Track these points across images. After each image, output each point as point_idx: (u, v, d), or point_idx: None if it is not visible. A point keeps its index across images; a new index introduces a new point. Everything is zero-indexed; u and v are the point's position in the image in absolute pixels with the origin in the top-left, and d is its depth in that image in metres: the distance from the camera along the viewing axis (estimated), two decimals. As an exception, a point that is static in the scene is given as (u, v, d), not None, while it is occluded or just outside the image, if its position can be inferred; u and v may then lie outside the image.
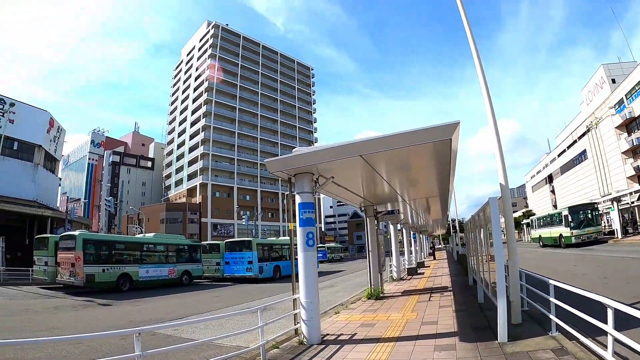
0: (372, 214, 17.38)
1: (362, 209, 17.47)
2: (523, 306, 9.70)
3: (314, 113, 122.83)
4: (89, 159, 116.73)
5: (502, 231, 9.29)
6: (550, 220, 44.67)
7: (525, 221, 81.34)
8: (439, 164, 10.24)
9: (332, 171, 10.00)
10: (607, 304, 5.36)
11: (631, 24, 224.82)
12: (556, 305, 7.71)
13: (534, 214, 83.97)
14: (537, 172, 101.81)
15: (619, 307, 5.11)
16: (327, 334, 10.04)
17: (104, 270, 24.47)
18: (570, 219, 38.11)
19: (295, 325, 9.99)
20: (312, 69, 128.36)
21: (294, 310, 10.11)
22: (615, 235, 41.93)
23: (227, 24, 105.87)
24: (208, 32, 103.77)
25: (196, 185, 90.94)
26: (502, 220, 9.33)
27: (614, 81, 61.41)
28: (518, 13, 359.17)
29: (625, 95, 54.01)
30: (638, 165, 52.52)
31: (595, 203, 44.28)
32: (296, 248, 9.99)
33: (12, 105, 38.10)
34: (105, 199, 71.28)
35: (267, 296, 21.05)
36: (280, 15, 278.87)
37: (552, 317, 7.83)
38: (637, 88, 51.50)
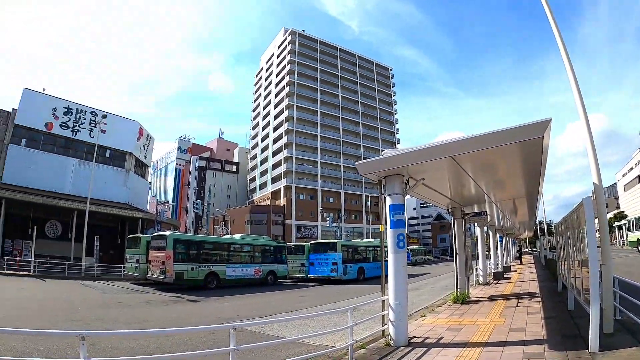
0: (460, 215, 16.93)
1: (449, 210, 17.09)
2: (615, 315, 8.96)
3: (395, 114, 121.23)
4: (177, 164, 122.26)
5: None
6: None
7: (617, 223, 76.34)
8: (529, 164, 9.86)
9: (422, 173, 9.98)
10: None
11: None
12: None
13: (625, 216, 78.42)
14: (630, 170, 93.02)
15: None
16: (414, 337, 9.89)
17: (192, 269, 25.22)
18: None
19: (382, 326, 9.95)
20: (391, 70, 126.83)
21: (382, 311, 10.04)
22: None
23: (303, 30, 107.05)
24: (285, 39, 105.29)
25: (280, 187, 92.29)
26: (596, 222, 8.60)
27: None
28: (598, 1, 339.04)
29: None
30: None
31: None
32: (386, 250, 9.91)
33: (104, 117, 40.62)
34: (194, 202, 74.22)
35: (352, 297, 20.87)
36: (354, 18, 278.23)
37: None
38: None
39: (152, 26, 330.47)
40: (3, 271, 28.74)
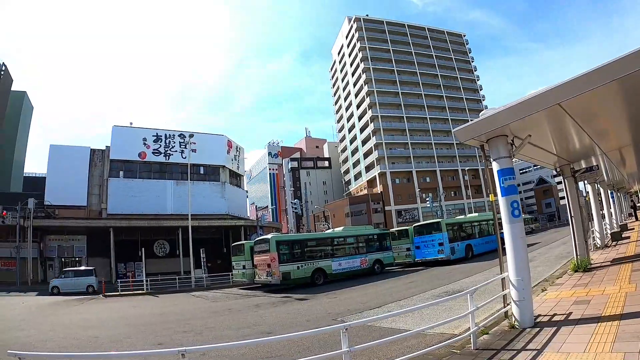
0: (570, 173, 15.43)
1: (558, 169, 15.66)
2: None
3: (477, 80, 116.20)
4: (269, 169, 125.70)
5: None
6: None
7: None
8: None
9: (526, 130, 8.91)
10: None
11: None
12: None
13: None
14: None
15: None
16: (539, 315, 8.88)
17: (298, 268, 25.35)
18: None
19: (504, 307, 9.08)
20: (464, 36, 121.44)
21: (502, 290, 9.08)
22: None
23: (367, 15, 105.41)
24: (351, 27, 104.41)
25: (375, 175, 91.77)
26: None
27: None
28: None
29: None
30: None
31: None
32: (499, 221, 9.04)
33: (191, 136, 42.22)
34: (292, 202, 75.34)
35: (463, 278, 19.84)
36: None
37: None
38: None
39: (217, 41, 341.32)
40: (117, 293, 30.48)
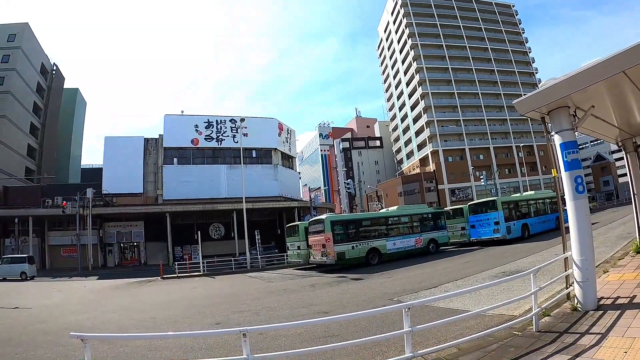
0: (633, 148, 14.42)
1: (619, 144, 14.70)
2: None
3: (530, 52, 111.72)
4: (321, 150, 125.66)
5: None
6: None
7: None
8: None
9: (589, 100, 8.45)
10: None
11: None
12: None
13: None
14: None
15: None
16: (602, 297, 8.58)
17: (353, 247, 25.41)
18: None
19: (567, 288, 8.81)
20: (513, 6, 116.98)
21: (565, 271, 8.84)
22: None
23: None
24: (396, 3, 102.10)
25: (427, 154, 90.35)
26: None
27: None
28: None
29: None
30: None
31: None
32: (562, 198, 8.74)
33: (242, 120, 42.54)
34: (345, 182, 75.39)
35: (520, 258, 19.43)
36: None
37: None
38: None
39: (260, 30, 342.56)
40: (175, 275, 31.51)
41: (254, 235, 36.92)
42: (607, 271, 11.65)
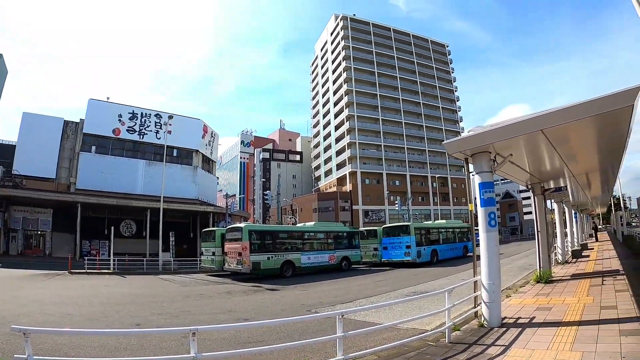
0: (540, 191, 16.51)
1: (529, 186, 16.68)
2: None
3: (455, 91, 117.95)
4: (241, 157, 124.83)
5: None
6: None
7: None
8: (614, 134, 9.61)
9: (509, 149, 9.80)
10: None
11: None
12: None
13: None
14: None
15: None
16: (505, 317, 9.78)
17: (268, 258, 25.52)
18: None
19: (475, 307, 10.01)
20: (447, 46, 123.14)
21: (474, 292, 10.07)
22: None
23: (354, 14, 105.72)
24: (337, 24, 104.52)
25: (345, 174, 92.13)
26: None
27: None
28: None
29: None
30: None
31: None
32: (476, 229, 10.03)
33: (170, 117, 41.71)
34: (263, 193, 75.38)
35: (429, 280, 20.72)
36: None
37: None
38: None
39: (201, 25, 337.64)
40: (84, 271, 29.96)
41: (168, 236, 36.14)
42: (510, 296, 12.98)
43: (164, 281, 25.53)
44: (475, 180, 9.76)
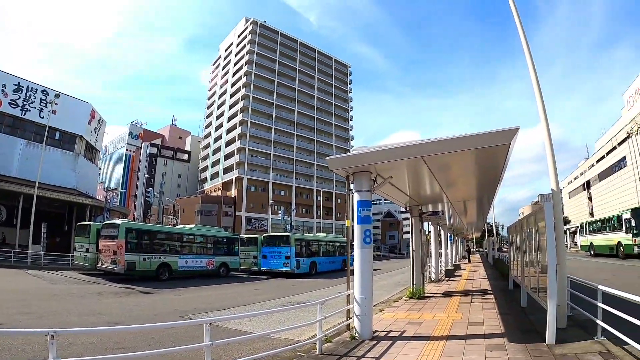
0: (418, 214, 17.42)
1: (408, 208, 17.46)
2: (568, 311, 9.73)
3: (350, 111, 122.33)
4: (127, 150, 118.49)
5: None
6: (606, 226, 39.39)
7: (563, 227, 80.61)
8: (490, 168, 10.51)
9: (389, 171, 10.23)
10: None
11: None
12: (603, 310, 7.77)
13: (569, 221, 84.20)
14: (575, 178, 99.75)
15: None
16: (377, 330, 10.12)
17: (144, 259, 24.73)
18: (633, 224, 32.09)
19: (347, 320, 10.18)
20: (349, 67, 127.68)
21: (347, 305, 10.25)
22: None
23: (264, 21, 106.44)
24: (246, 28, 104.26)
25: (232, 179, 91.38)
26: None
27: None
28: (557, 9, 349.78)
29: None
30: None
31: None
32: (352, 244, 10.17)
33: (57, 96, 38.84)
34: (146, 190, 72.70)
35: (307, 291, 21.14)
36: (313, 10, 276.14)
37: (599, 322, 7.87)
38: None
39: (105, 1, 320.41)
40: None
41: (41, 227, 33.68)
42: (383, 310, 13.52)
43: (32, 277, 23.88)
44: (354, 198, 10.07)
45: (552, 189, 9.65)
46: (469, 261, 46.95)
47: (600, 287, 7.89)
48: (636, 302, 6.31)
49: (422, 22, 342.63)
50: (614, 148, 70.86)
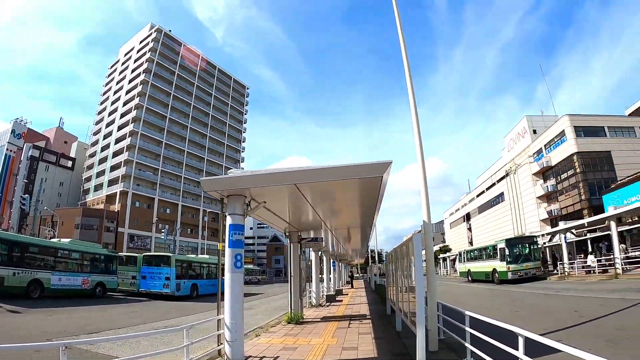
0: (296, 240, 17.71)
1: (287, 234, 17.70)
2: (440, 335, 10.34)
3: (243, 132, 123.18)
4: (7, 149, 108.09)
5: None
6: (482, 254, 43.72)
7: (442, 255, 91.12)
8: (367, 198, 10.99)
9: (264, 196, 10.31)
10: (518, 332, 5.94)
11: (557, 79, 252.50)
12: (471, 334, 8.27)
13: (450, 249, 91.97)
14: (456, 210, 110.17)
15: (529, 335, 5.65)
16: (250, 356, 10.25)
17: (14, 274, 23.03)
18: (506, 252, 36.28)
19: (218, 346, 10.09)
20: (247, 88, 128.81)
21: (217, 330, 10.20)
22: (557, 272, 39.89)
23: (170, 30, 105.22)
24: (149, 35, 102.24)
25: (116, 192, 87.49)
26: (424, 253, 10.11)
27: (535, 132, 68.99)
28: (453, 56, 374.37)
29: (545, 146, 61.80)
30: (552, 210, 59.27)
31: (535, 236, 43.04)
32: (223, 268, 10.13)
33: None
34: (21, 196, 67.50)
35: (186, 315, 20.92)
36: (221, 26, 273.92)
37: (467, 345, 8.33)
38: (555, 140, 58.92)
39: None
40: None
41: None
42: (259, 335, 13.73)
43: None
44: (227, 221, 9.91)
45: (423, 220, 10.47)
46: (352, 286, 48.86)
47: (467, 312, 8.38)
48: (498, 326, 6.88)
49: (325, 53, 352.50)
50: (494, 184, 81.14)
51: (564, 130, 56.91)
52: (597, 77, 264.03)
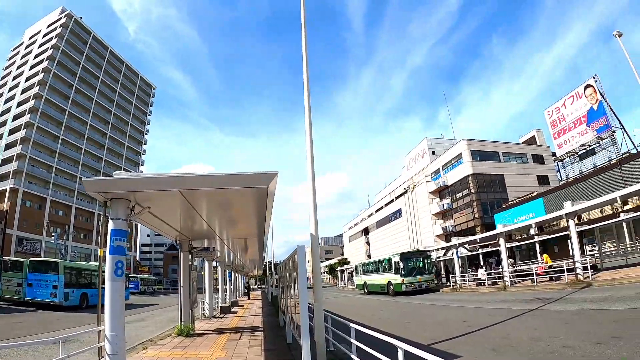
0: (187, 249, 17.31)
1: (177, 242, 17.34)
2: (329, 347, 10.41)
3: (146, 134, 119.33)
4: None
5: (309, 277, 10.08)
6: (378, 267, 44.94)
7: (340, 268, 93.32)
8: (256, 208, 11.02)
9: (149, 201, 9.87)
10: (398, 345, 6.12)
11: (458, 106, 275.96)
12: (357, 346, 8.49)
13: (349, 262, 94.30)
14: (355, 224, 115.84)
15: (407, 348, 5.92)
16: None
17: None
18: (401, 266, 37.56)
19: (100, 359, 9.60)
20: (154, 88, 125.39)
21: (98, 343, 9.53)
22: (450, 284, 41.78)
23: (81, 17, 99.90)
24: (59, 19, 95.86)
25: (6, 189, 77.91)
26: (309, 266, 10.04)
27: (434, 153, 75.48)
28: (363, 76, 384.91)
29: (442, 167, 68.76)
30: (447, 226, 65.64)
31: (428, 250, 45.91)
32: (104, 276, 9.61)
33: None
34: None
35: (74, 326, 19.66)
36: (134, 21, 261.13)
37: (354, 357, 8.45)
38: (453, 162, 65.55)
39: None
40: None
41: None
42: (147, 348, 13.34)
43: None
44: (109, 226, 9.39)
45: (311, 233, 10.41)
46: (249, 298, 49.01)
47: (352, 325, 8.64)
48: (382, 339, 7.00)
49: (237, 62, 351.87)
50: (392, 201, 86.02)
51: (461, 153, 63.47)
52: (495, 108, 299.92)
